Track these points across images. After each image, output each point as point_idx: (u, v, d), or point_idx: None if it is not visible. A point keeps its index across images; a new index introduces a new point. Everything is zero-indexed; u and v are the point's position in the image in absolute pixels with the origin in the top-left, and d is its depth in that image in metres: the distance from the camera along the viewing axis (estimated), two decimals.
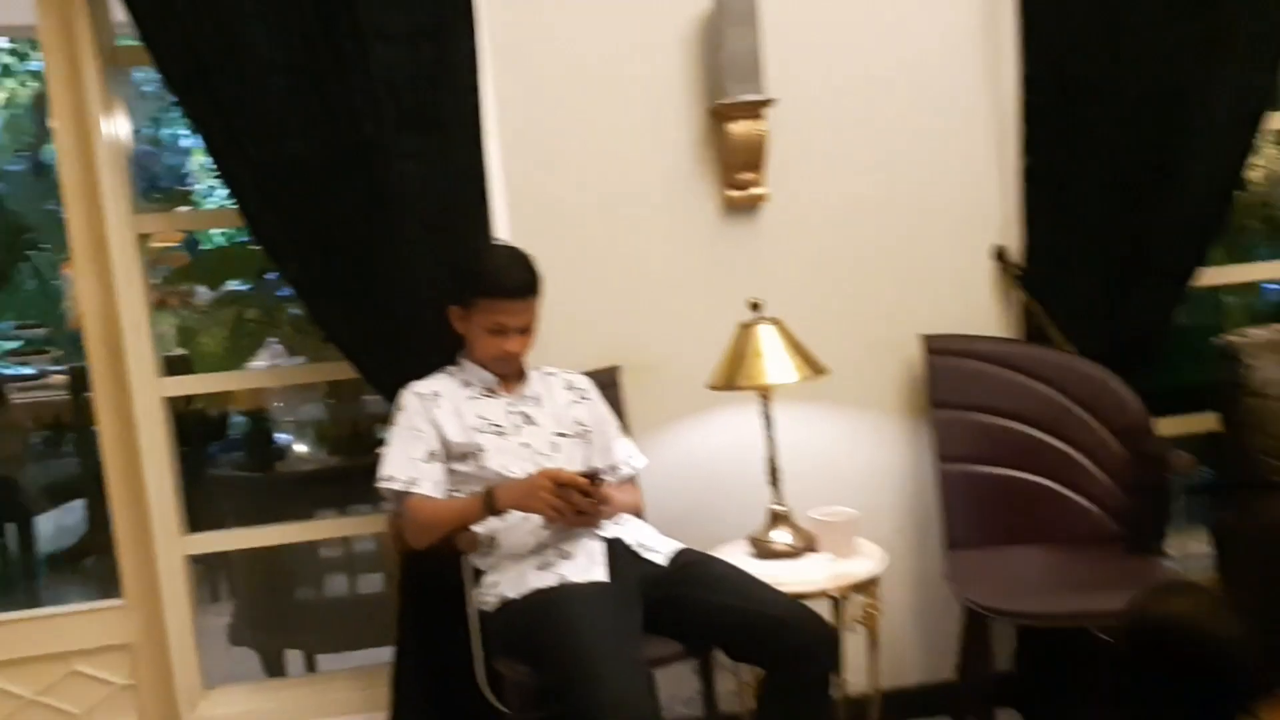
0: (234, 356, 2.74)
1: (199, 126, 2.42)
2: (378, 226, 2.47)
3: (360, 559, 3.06)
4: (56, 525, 4.50)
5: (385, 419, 3.16)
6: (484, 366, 2.43)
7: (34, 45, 7.69)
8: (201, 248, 7.15)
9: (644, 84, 2.72)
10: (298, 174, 2.43)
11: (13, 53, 7.55)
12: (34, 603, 4.03)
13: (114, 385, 2.65)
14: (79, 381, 4.14)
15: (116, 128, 2.60)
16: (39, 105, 7.81)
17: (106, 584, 4.20)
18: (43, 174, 7.93)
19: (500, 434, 2.38)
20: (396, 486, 2.31)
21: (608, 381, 2.65)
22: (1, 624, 2.73)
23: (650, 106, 2.73)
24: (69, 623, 2.73)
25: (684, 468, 2.76)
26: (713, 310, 2.69)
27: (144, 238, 2.67)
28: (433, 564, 2.32)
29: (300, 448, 2.95)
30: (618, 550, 2.28)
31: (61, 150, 2.58)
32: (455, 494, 2.34)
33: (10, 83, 7.92)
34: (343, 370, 2.65)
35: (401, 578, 2.51)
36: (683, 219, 2.77)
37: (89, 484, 4.37)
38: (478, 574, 2.32)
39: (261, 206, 2.44)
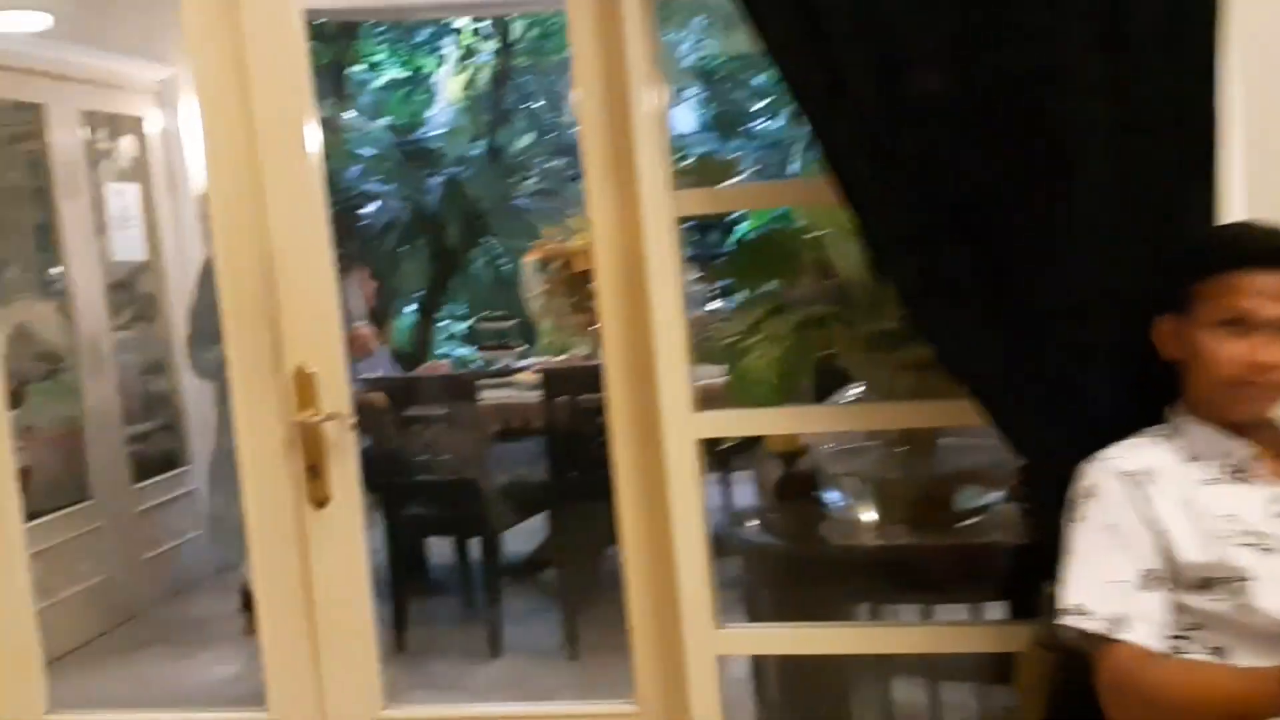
0: (788, 383, 1.97)
1: (789, 61, 1.69)
2: (1041, 199, 1.64)
3: (942, 661, 2.21)
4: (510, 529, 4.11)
5: (970, 477, 2.30)
6: (1225, 428, 1.50)
7: (495, 28, 7.71)
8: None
9: None
10: (924, 122, 1.65)
11: (475, 33, 7.57)
12: (497, 633, 3.61)
13: (637, 416, 2.00)
14: (552, 384, 3.71)
15: (655, 89, 1.94)
16: (499, 88, 7.81)
17: (557, 599, 3.88)
18: (497, 159, 7.96)
19: (1267, 550, 1.44)
20: (1091, 626, 1.45)
21: None
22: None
23: None
24: None
25: None
26: None
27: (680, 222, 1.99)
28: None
29: (867, 516, 2.14)
30: None
31: (587, 121, 1.99)
32: (1180, 643, 1.45)
33: (471, 67, 7.99)
34: (957, 414, 1.82)
35: None
36: None
37: (552, 495, 3.97)
38: None
39: (870, 174, 1.69)
